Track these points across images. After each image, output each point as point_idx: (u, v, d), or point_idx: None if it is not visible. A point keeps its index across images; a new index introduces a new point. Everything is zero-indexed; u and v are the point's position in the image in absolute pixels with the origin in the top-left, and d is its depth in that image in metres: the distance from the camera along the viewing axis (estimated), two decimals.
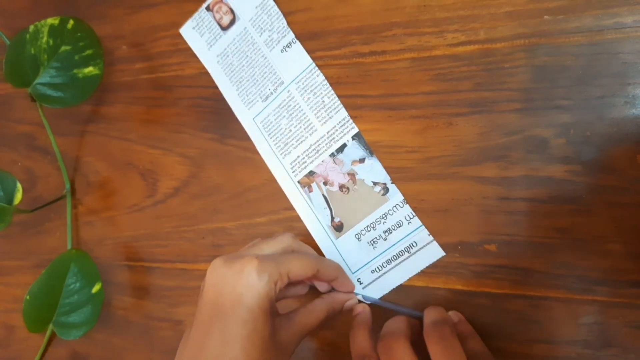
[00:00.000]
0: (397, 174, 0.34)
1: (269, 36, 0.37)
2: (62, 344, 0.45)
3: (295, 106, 0.37)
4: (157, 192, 0.42)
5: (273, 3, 0.37)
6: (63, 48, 0.39)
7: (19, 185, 0.39)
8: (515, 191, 0.31)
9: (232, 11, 0.38)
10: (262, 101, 0.38)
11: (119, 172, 0.43)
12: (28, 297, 0.40)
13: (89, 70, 0.39)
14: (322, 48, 0.36)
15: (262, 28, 0.37)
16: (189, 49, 0.40)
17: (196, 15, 0.39)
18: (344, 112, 0.35)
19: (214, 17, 0.38)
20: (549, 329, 0.31)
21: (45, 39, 0.38)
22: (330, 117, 0.36)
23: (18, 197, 0.39)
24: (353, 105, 0.35)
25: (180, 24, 0.40)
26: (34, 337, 0.44)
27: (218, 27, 0.38)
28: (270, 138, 0.37)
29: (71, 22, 0.39)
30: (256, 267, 0.27)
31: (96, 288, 0.40)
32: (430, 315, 0.30)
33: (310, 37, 0.36)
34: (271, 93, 0.37)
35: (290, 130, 0.37)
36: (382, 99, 0.34)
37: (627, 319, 0.29)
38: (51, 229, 0.46)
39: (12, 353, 0.48)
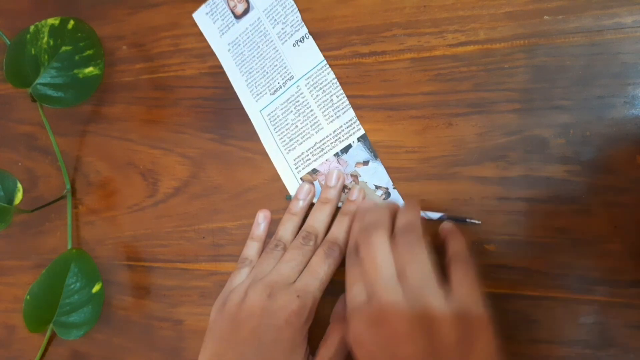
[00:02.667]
0: (397, 174, 0.34)
1: (282, 29, 0.37)
2: (63, 344, 0.45)
3: (303, 102, 0.37)
4: (158, 192, 0.42)
5: None
6: (64, 48, 0.39)
7: (19, 185, 0.39)
8: (515, 191, 0.31)
9: (246, 0, 0.38)
10: (271, 94, 0.37)
11: (119, 172, 0.43)
12: (28, 297, 0.40)
13: (90, 70, 0.39)
14: (322, 48, 0.36)
15: (275, 20, 0.37)
16: (190, 49, 0.40)
17: (210, 1, 0.39)
18: (351, 113, 0.35)
19: (228, 4, 0.38)
20: (549, 329, 0.31)
21: (45, 39, 0.38)
22: (337, 117, 0.36)
23: (18, 197, 0.39)
24: (353, 106, 0.35)
25: (180, 24, 0.40)
26: (35, 337, 0.44)
27: (231, 14, 0.38)
28: (276, 132, 0.37)
29: (72, 22, 0.39)
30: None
31: (96, 288, 0.40)
32: (399, 220, 0.31)
33: None
34: (280, 87, 0.37)
35: (297, 126, 0.37)
36: (382, 99, 0.35)
37: (627, 319, 0.29)
38: (52, 228, 0.46)
39: (13, 353, 0.48)
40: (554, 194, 0.31)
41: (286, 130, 0.37)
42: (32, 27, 0.39)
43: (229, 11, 0.38)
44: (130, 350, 0.43)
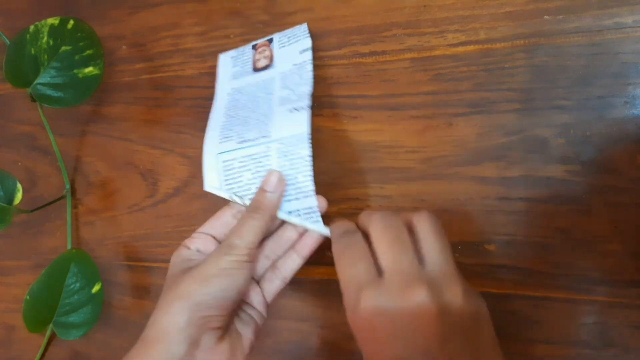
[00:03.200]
0: (398, 175, 0.34)
1: (288, 95, 0.35)
2: (62, 344, 0.45)
3: (265, 165, 0.33)
4: (158, 192, 0.42)
5: (311, 68, 0.35)
6: (63, 48, 0.39)
7: (19, 185, 0.39)
8: (515, 191, 0.31)
9: (271, 58, 0.37)
10: (237, 142, 0.34)
11: (119, 172, 0.43)
12: (28, 297, 0.40)
13: (89, 70, 0.39)
14: (322, 48, 0.36)
15: (287, 86, 0.35)
16: (190, 49, 0.40)
17: (241, 48, 0.38)
18: (313, 201, 0.32)
19: (254, 56, 0.37)
20: (549, 329, 0.31)
21: (45, 39, 0.38)
22: (297, 199, 0.32)
23: (18, 197, 0.39)
24: (353, 106, 0.35)
25: (180, 24, 0.40)
26: (34, 337, 0.44)
27: (251, 66, 0.37)
28: (226, 182, 0.34)
29: (71, 22, 0.39)
30: None
31: (96, 288, 0.40)
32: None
33: (310, 37, 0.36)
34: (250, 140, 0.34)
35: (250, 188, 0.33)
36: (382, 99, 0.34)
37: (627, 319, 0.29)
38: (51, 229, 0.46)
39: (12, 353, 0.48)
40: (554, 194, 0.31)
41: (237, 186, 0.34)
42: (32, 27, 0.39)
43: (251, 63, 0.37)
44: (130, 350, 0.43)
